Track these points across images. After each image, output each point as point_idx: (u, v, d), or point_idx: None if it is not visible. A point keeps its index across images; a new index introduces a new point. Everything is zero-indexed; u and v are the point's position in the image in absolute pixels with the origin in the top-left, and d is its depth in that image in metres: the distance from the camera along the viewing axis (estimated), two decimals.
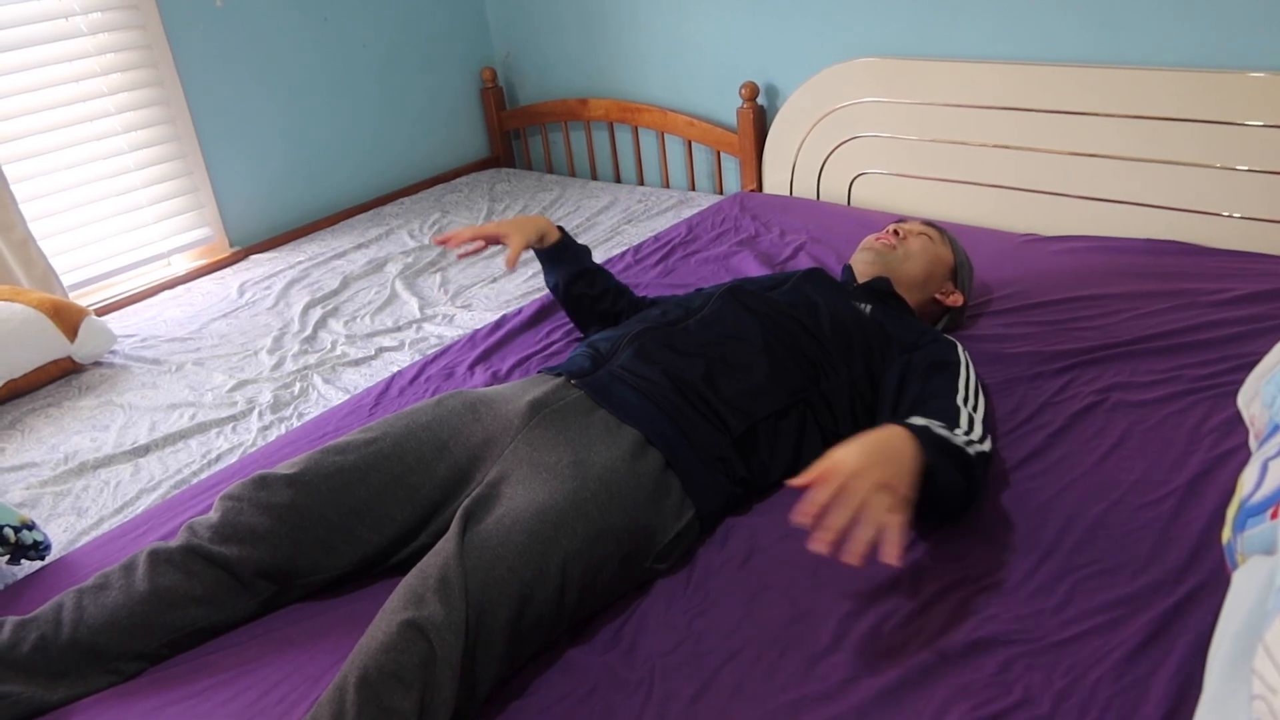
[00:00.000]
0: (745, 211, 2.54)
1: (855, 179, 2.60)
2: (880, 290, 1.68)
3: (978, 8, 2.29)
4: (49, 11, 2.31)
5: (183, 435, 1.81)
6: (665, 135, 2.96)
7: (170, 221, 2.62)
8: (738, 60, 2.75)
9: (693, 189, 2.98)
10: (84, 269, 2.48)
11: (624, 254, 2.38)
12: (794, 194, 2.72)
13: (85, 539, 1.54)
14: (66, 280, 2.41)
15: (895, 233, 1.78)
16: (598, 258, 2.46)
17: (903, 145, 2.48)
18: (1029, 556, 1.25)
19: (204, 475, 1.69)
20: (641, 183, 3.11)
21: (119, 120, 2.47)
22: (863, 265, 1.75)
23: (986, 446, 1.32)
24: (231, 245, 2.76)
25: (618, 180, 3.17)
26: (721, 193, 2.92)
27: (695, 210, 2.69)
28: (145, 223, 2.57)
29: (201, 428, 1.83)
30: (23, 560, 1.44)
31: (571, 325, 2.00)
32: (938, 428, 1.27)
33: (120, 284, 2.56)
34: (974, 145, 2.38)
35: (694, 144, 2.92)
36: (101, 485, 1.69)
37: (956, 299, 1.79)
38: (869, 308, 1.60)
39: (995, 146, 2.35)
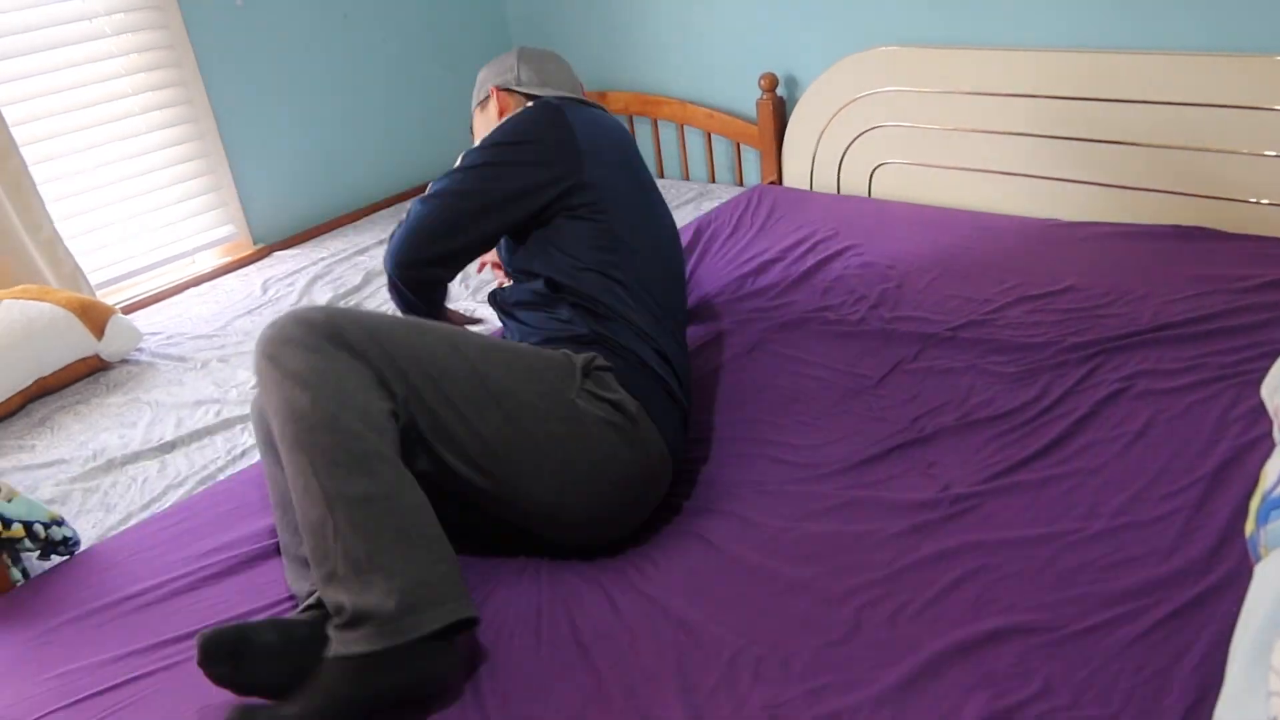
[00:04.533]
0: (762, 206, 2.53)
1: (876, 169, 2.58)
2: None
3: None
4: (73, 14, 2.34)
5: (208, 431, 1.84)
6: (685, 127, 2.96)
7: (194, 220, 2.65)
8: (757, 51, 2.73)
9: (713, 181, 2.97)
10: (110, 268, 2.51)
11: None
12: (814, 184, 2.71)
13: (113, 534, 1.57)
14: (93, 279, 2.44)
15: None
16: None
17: (924, 134, 2.46)
18: (1050, 545, 1.24)
19: (229, 470, 1.71)
20: (661, 175, 3.10)
21: (143, 120, 2.50)
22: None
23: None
24: (255, 242, 2.79)
25: None
26: (742, 184, 2.91)
27: (716, 203, 2.68)
28: (170, 221, 2.60)
29: (226, 424, 1.85)
30: (52, 555, 1.46)
31: None
32: None
33: (145, 282, 2.60)
34: (996, 133, 2.35)
35: (714, 136, 2.91)
36: (129, 481, 1.71)
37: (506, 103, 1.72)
38: None
39: (1017, 134, 2.32)
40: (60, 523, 1.45)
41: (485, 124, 1.76)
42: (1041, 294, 1.91)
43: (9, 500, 1.40)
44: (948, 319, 1.87)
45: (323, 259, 2.64)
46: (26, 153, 2.29)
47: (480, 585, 1.33)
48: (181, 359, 2.15)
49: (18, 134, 2.27)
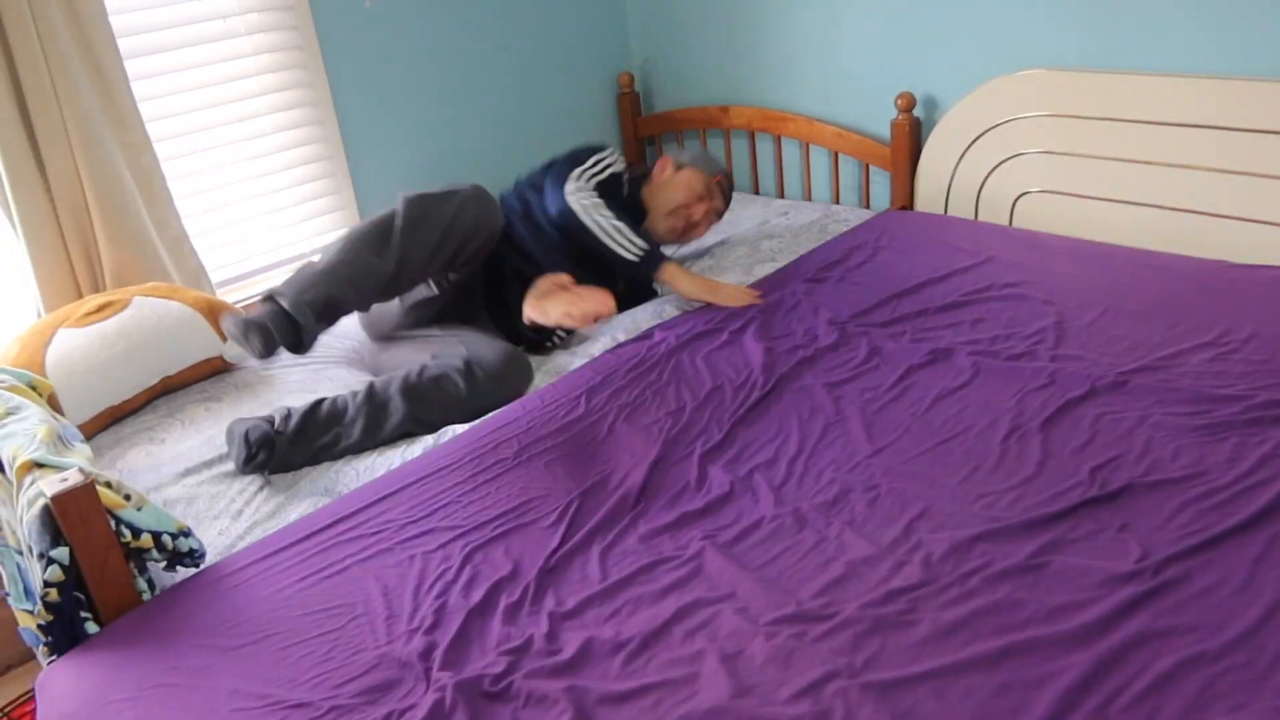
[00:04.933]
0: (903, 230, 2.40)
1: (1019, 198, 2.44)
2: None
3: (1170, 17, 2.11)
4: (208, 12, 2.33)
5: None
6: (810, 146, 2.85)
7: (313, 221, 2.62)
8: (894, 69, 2.61)
9: (836, 202, 2.85)
10: (230, 267, 2.49)
11: (780, 270, 2.27)
12: (949, 211, 2.57)
13: (241, 544, 1.52)
14: (214, 278, 2.42)
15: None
16: (737, 274, 2.36)
17: (1075, 164, 2.31)
18: (1278, 635, 1.10)
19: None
20: (781, 195, 2.99)
21: (269, 120, 2.49)
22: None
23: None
24: None
25: (755, 191, 3.06)
26: (868, 207, 2.78)
27: (841, 225, 2.56)
28: (290, 222, 2.58)
29: None
30: (178, 567, 1.41)
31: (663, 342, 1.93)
32: None
33: (263, 283, 2.57)
34: (1156, 165, 2.19)
35: (841, 156, 2.79)
36: (249, 489, 1.67)
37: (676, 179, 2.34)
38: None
39: (1180, 166, 2.16)
40: (187, 533, 1.40)
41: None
42: (1220, 341, 1.75)
43: (139, 509, 1.36)
44: (1117, 362, 1.72)
45: None
46: (157, 149, 2.28)
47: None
48: (298, 361, 2.11)
49: (150, 130, 2.26)
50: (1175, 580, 1.20)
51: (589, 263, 2.08)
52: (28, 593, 1.48)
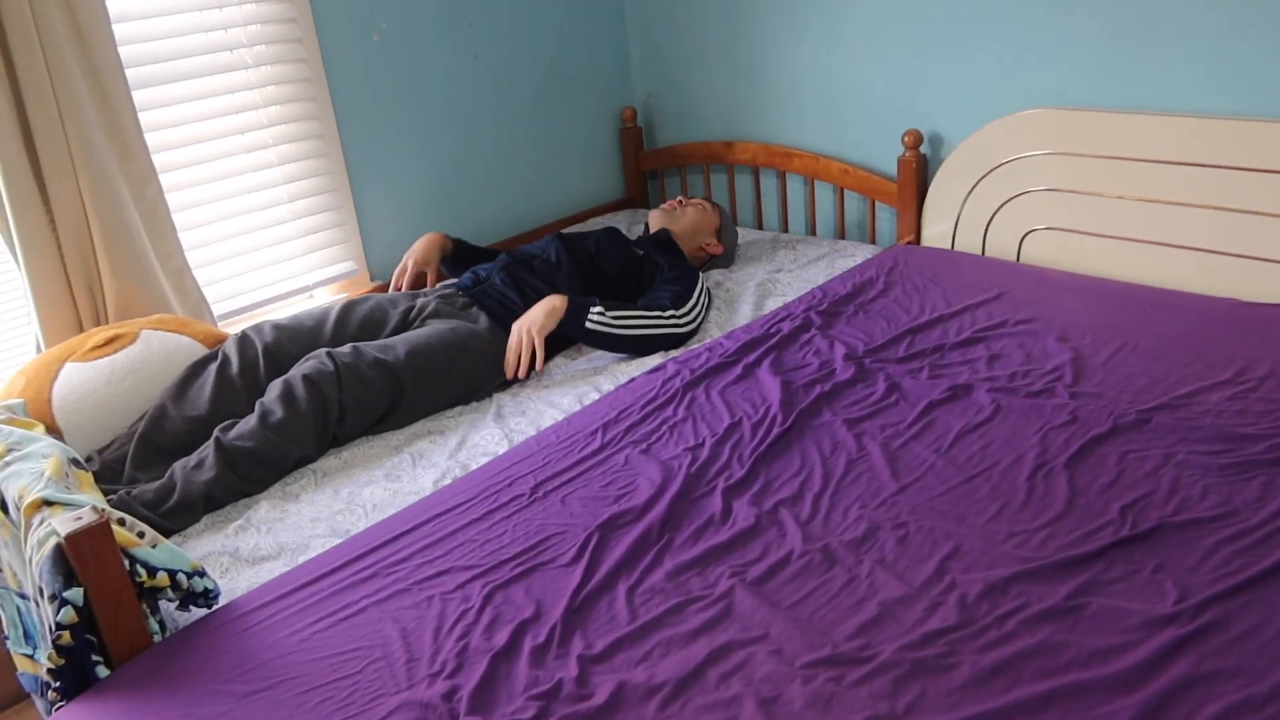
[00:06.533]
0: (912, 265, 2.40)
1: (1026, 235, 2.44)
2: (660, 239, 2.46)
3: (1175, 58, 2.13)
4: (216, 44, 2.31)
5: None
6: (815, 182, 2.85)
7: (317, 254, 2.60)
8: (901, 106, 2.63)
9: (841, 238, 2.85)
10: (231, 300, 2.46)
11: (791, 304, 2.26)
12: (956, 248, 2.58)
13: (252, 587, 1.48)
14: (216, 310, 2.39)
15: (680, 201, 2.62)
16: (747, 309, 2.35)
17: (1083, 202, 2.32)
18: None
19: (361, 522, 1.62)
20: (785, 230, 3.00)
21: (275, 152, 2.47)
22: (653, 221, 2.58)
23: (685, 326, 2.16)
24: (372, 279, 2.73)
25: (759, 227, 3.06)
26: (874, 243, 2.79)
27: (849, 260, 2.56)
28: (293, 255, 2.55)
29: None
30: (191, 607, 1.37)
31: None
32: (599, 306, 2.09)
33: (264, 315, 2.54)
34: (1164, 203, 2.20)
35: (846, 192, 2.80)
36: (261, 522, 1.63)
37: (717, 249, 2.58)
38: (643, 252, 2.38)
39: (1189, 205, 2.17)
40: (202, 573, 1.36)
41: (696, 225, 2.57)
42: (1238, 380, 1.75)
43: (154, 546, 1.32)
44: (1137, 399, 1.72)
45: None
46: (161, 179, 2.25)
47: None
48: None
49: (154, 160, 2.24)
50: (1215, 623, 1.18)
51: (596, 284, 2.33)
52: (28, 636, 1.44)
